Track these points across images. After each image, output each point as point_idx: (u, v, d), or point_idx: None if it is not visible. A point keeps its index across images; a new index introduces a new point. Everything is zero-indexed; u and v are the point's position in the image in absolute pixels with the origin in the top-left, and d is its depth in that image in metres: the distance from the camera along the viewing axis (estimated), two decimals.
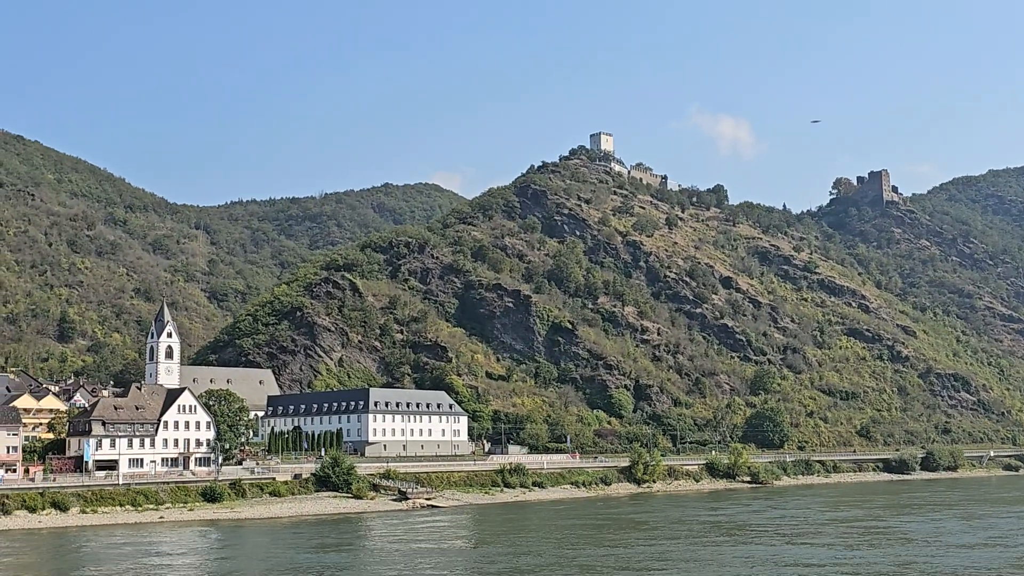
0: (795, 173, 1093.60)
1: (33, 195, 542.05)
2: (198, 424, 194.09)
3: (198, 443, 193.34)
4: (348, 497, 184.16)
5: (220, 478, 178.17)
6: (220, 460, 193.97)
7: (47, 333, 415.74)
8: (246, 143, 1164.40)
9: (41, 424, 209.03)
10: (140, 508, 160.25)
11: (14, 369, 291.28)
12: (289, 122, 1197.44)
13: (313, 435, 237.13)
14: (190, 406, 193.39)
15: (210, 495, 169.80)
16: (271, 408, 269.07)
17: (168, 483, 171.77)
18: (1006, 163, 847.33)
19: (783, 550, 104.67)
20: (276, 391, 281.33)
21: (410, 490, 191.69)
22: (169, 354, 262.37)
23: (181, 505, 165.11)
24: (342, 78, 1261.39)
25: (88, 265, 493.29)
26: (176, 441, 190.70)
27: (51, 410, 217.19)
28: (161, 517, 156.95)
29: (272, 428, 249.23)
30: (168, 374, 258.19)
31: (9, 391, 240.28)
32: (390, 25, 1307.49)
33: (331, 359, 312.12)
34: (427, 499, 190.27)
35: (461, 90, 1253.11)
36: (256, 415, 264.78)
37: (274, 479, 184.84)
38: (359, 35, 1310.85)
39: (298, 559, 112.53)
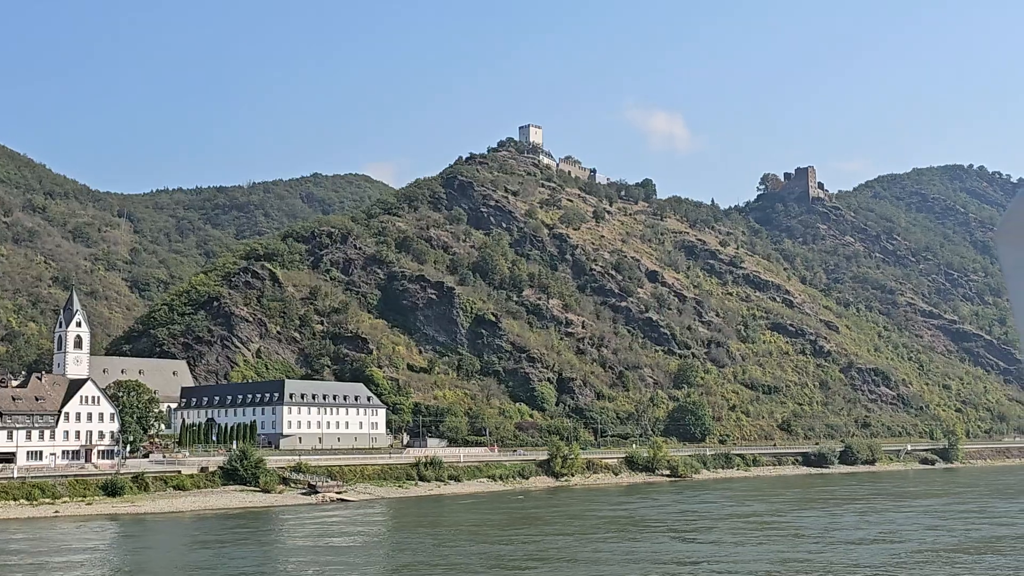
0: (729, 169, 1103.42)
1: None
2: (101, 416, 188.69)
3: (101, 435, 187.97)
4: (255, 491, 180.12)
5: (122, 471, 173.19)
6: (124, 453, 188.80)
7: None
8: (174, 131, 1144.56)
9: None
10: (35, 502, 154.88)
11: None
12: (219, 110, 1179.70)
13: (226, 428, 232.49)
14: (93, 397, 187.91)
15: (110, 489, 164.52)
16: (184, 400, 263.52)
17: (67, 476, 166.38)
18: (930, 162, 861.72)
19: (668, 546, 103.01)
20: (190, 382, 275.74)
21: (320, 484, 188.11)
22: (78, 344, 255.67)
23: (79, 499, 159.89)
24: (274, 68, 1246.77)
25: (4, 253, 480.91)
26: (78, 433, 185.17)
27: None
28: (56, 512, 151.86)
29: (183, 420, 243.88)
30: (77, 364, 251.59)
31: None
32: (322, 15, 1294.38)
33: (248, 350, 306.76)
34: (337, 493, 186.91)
35: (395, 80, 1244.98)
36: (169, 407, 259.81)
37: (179, 472, 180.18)
38: (291, 25, 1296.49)
39: (191, 557, 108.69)
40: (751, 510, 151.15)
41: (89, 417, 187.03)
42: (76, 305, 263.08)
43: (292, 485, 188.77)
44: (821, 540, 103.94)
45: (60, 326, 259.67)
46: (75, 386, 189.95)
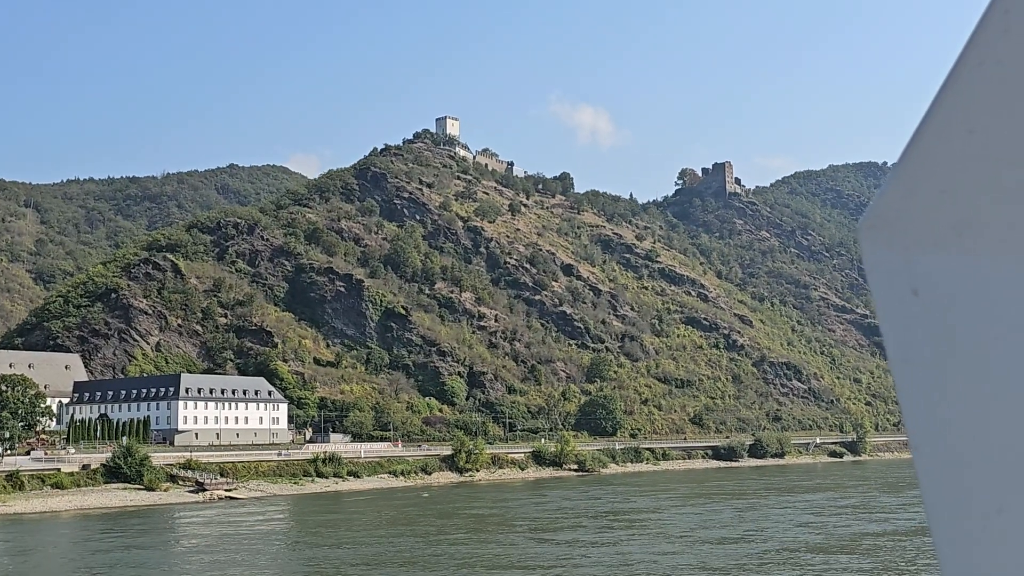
0: (652, 164, 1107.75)
1: None
2: None
3: None
4: (139, 489, 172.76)
5: None
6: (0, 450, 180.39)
7: None
8: (88, 119, 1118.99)
9: None
10: None
11: None
12: (134, 99, 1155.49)
13: (118, 423, 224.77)
14: None
15: None
16: (77, 394, 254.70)
17: None
18: (845, 159, 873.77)
19: (518, 548, 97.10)
20: (84, 376, 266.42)
21: (208, 481, 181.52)
22: None
23: None
24: (194, 57, 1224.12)
25: None
26: None
27: None
28: None
29: (72, 415, 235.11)
30: None
31: None
32: (244, 6, 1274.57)
33: (147, 343, 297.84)
34: (226, 490, 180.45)
35: (318, 71, 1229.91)
36: (60, 402, 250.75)
37: (59, 470, 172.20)
38: (212, 14, 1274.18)
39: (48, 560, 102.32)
40: (633, 506, 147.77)
41: None
42: None
43: (180, 483, 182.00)
44: (682, 539, 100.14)
45: None
46: None
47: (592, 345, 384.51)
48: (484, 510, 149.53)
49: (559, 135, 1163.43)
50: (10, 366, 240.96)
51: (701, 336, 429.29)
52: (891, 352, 2.33)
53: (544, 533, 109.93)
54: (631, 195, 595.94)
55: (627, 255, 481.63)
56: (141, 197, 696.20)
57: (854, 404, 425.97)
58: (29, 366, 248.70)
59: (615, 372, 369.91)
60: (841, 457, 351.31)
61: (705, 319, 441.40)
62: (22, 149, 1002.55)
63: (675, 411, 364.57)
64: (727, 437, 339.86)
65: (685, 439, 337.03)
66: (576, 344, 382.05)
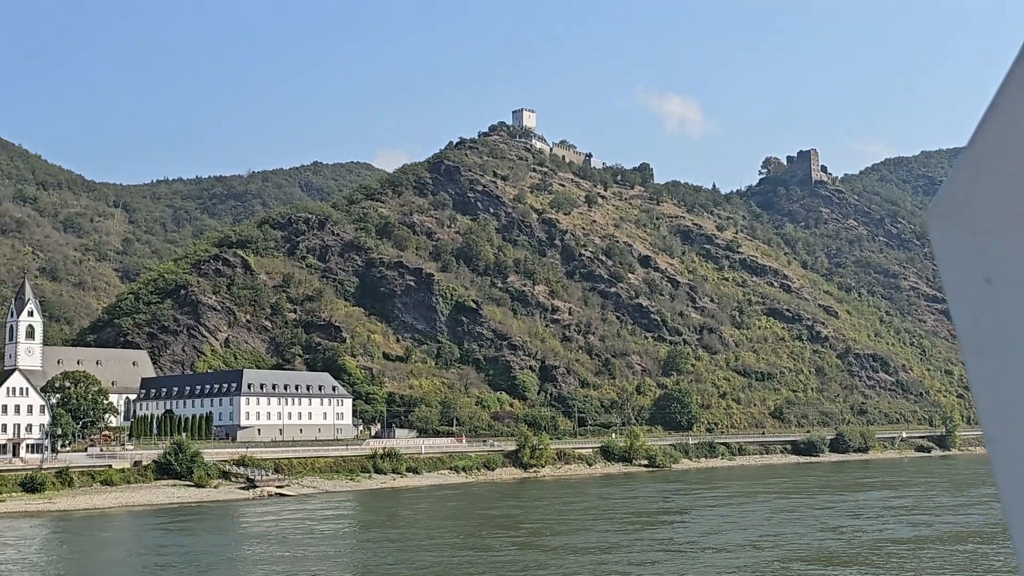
0: (738, 153, 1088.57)
1: None
2: (30, 408, 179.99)
3: (30, 428, 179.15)
4: (188, 485, 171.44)
5: (47, 466, 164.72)
6: (55, 446, 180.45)
7: None
8: (176, 121, 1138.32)
9: None
10: None
11: None
12: (224, 100, 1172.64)
13: (182, 419, 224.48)
14: (21, 388, 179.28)
15: (30, 485, 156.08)
16: (144, 391, 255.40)
17: None
18: (939, 144, 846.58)
19: (510, 554, 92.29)
20: (152, 373, 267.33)
21: (259, 477, 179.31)
22: (30, 334, 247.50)
23: None
24: (277, 57, 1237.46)
25: None
26: (4, 426, 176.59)
27: None
28: None
29: (134, 412, 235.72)
30: (29, 355, 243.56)
31: None
32: (323, 5, 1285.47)
33: (216, 339, 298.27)
34: (277, 487, 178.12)
35: (400, 67, 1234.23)
36: (128, 398, 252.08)
37: (109, 467, 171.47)
38: (292, 15, 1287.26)
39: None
40: (668, 506, 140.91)
41: (17, 409, 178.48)
42: (28, 294, 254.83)
43: (232, 479, 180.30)
44: (686, 545, 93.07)
45: (11, 315, 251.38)
46: (2, 377, 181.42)
47: (669, 338, 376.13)
48: (512, 510, 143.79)
49: (643, 126, 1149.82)
50: (78, 363, 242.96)
51: (783, 328, 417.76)
52: (964, 343, 2.25)
53: (550, 537, 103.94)
54: (713, 185, 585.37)
55: (707, 246, 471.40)
56: (226, 196, 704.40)
57: (944, 397, 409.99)
58: (97, 363, 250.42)
59: (692, 365, 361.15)
60: (929, 452, 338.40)
61: (788, 310, 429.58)
62: (112, 151, 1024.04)
63: (754, 405, 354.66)
64: (808, 431, 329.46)
65: (763, 433, 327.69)
66: (652, 337, 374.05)
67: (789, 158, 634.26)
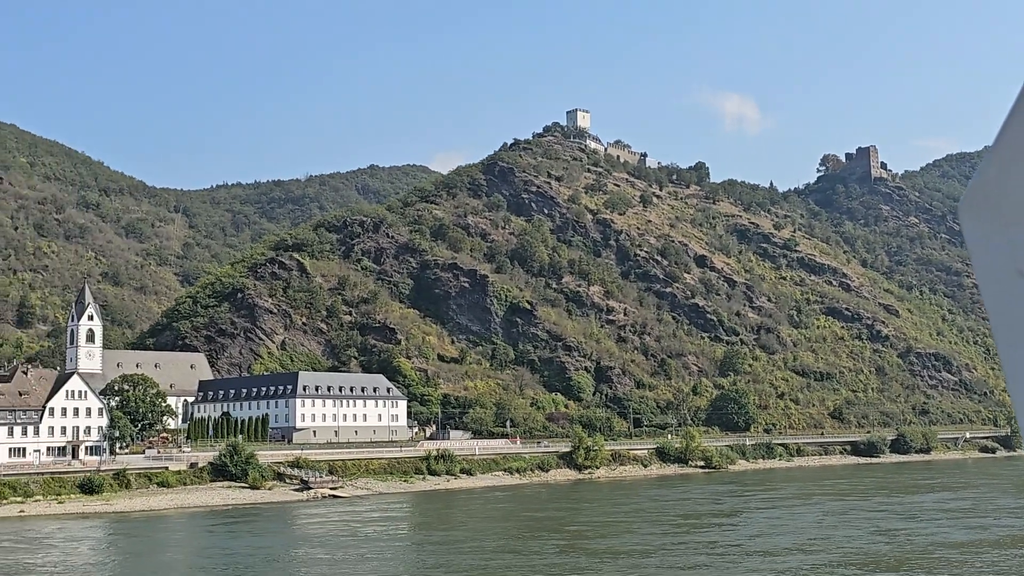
0: (795, 151, 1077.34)
1: (1, 179, 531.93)
2: (88, 410, 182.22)
3: (88, 431, 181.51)
4: (243, 487, 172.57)
5: (104, 468, 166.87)
6: (113, 448, 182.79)
7: (5, 319, 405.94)
8: (236, 126, 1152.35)
9: None
10: (4, 501, 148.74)
11: None
12: (281, 104, 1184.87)
13: (238, 421, 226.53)
14: (79, 391, 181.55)
15: (88, 487, 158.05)
16: (201, 393, 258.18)
17: (43, 474, 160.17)
18: None
19: (536, 560, 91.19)
20: (209, 375, 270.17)
21: (313, 479, 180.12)
22: (90, 338, 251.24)
23: (52, 498, 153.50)
24: (334, 61, 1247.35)
25: (55, 249, 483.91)
26: (63, 429, 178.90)
27: None
28: (21, 511, 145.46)
29: (192, 414, 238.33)
30: (89, 359, 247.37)
31: None
32: (378, 9, 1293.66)
33: (273, 342, 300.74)
34: (331, 489, 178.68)
35: (457, 69, 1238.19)
36: (186, 400, 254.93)
37: (166, 469, 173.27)
38: (348, 18, 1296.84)
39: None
40: (717, 508, 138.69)
41: (76, 412, 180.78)
42: (88, 299, 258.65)
43: (286, 481, 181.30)
44: (730, 549, 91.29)
45: (72, 320, 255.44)
46: (62, 380, 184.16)
47: (726, 338, 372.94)
48: (560, 512, 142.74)
49: (699, 124, 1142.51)
50: (137, 366, 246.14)
51: (843, 327, 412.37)
52: (997, 335, 2.18)
53: (584, 540, 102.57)
54: (771, 183, 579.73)
55: (764, 245, 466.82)
56: (284, 200, 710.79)
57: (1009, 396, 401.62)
58: (155, 366, 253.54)
59: (750, 365, 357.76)
60: (993, 452, 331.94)
61: (847, 309, 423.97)
62: (173, 157, 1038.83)
63: (813, 405, 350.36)
64: (868, 432, 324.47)
65: (822, 434, 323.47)
66: (709, 337, 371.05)
67: (848, 155, 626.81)
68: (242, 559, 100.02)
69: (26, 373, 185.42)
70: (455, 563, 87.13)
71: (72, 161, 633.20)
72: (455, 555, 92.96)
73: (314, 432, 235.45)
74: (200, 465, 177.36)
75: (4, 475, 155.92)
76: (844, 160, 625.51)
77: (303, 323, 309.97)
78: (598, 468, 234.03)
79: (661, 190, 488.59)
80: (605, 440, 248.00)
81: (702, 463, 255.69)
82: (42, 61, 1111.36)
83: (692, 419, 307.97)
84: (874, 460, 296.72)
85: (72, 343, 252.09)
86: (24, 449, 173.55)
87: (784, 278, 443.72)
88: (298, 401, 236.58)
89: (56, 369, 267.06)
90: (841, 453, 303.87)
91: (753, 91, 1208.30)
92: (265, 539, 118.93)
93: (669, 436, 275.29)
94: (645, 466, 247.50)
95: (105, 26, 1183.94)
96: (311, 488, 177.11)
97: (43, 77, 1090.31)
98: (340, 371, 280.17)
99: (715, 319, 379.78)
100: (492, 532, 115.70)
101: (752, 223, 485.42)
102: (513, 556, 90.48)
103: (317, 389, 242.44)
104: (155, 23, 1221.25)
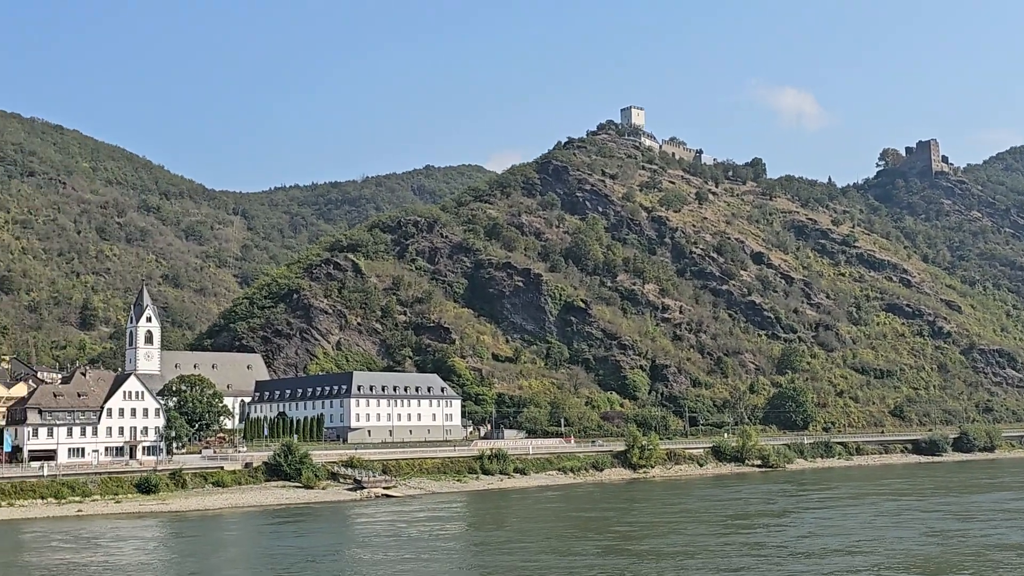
0: (854, 146, 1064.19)
1: (64, 183, 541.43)
2: (145, 411, 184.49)
3: (145, 431, 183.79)
4: (297, 487, 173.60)
5: (161, 468, 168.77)
6: (170, 448, 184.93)
7: (69, 321, 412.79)
8: (294, 129, 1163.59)
9: None
10: (63, 501, 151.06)
11: (5, 357, 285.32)
12: (338, 106, 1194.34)
13: (294, 421, 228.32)
14: (136, 392, 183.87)
15: (145, 486, 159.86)
16: (258, 394, 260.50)
17: (101, 474, 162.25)
18: None
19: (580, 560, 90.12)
20: (265, 376, 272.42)
21: (367, 479, 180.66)
22: (149, 339, 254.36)
23: (109, 497, 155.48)
24: (387, 64, 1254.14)
25: (116, 252, 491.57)
26: (121, 429, 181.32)
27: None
28: (79, 511, 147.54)
29: (248, 414, 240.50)
30: (148, 360, 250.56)
31: None
32: (432, 7, 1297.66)
33: (328, 342, 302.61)
34: (384, 488, 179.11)
35: (512, 67, 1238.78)
36: (242, 401, 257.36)
37: (221, 468, 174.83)
38: (403, 18, 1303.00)
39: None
40: (767, 508, 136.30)
41: (133, 413, 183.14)
42: (146, 300, 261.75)
43: (340, 480, 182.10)
44: (782, 550, 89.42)
45: (131, 322, 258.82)
46: (119, 381, 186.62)
47: (783, 335, 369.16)
48: (608, 512, 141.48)
49: (756, 121, 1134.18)
50: (194, 367, 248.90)
51: (903, 323, 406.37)
52: None
53: (629, 540, 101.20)
54: (829, 179, 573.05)
55: (822, 241, 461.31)
56: (341, 201, 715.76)
57: None
58: (213, 366, 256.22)
59: (808, 363, 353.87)
60: None
61: (908, 305, 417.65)
62: (232, 160, 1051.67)
63: (873, 403, 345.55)
64: (930, 430, 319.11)
65: (883, 432, 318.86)
66: (766, 335, 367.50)
67: (908, 149, 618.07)
68: (293, 558, 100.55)
69: (84, 374, 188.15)
70: (494, 563, 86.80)
71: (133, 165, 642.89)
72: (495, 555, 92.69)
73: (369, 432, 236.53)
74: (255, 465, 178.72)
75: (64, 475, 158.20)
76: (904, 154, 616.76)
77: (358, 323, 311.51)
78: (653, 467, 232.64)
79: (717, 187, 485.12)
80: (660, 439, 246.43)
81: (759, 462, 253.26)
82: (104, 69, 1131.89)
83: (749, 418, 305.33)
84: (936, 459, 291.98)
85: (131, 344, 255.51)
86: (83, 449, 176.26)
87: (843, 274, 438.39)
88: (353, 401, 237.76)
89: (117, 370, 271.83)
90: (902, 452, 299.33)
91: (811, 86, 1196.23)
92: (313, 539, 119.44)
93: (725, 435, 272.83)
94: (701, 465, 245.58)
95: (165, 34, 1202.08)
96: (364, 488, 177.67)
97: (105, 84, 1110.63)
98: (395, 371, 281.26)
99: (772, 316, 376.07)
100: (537, 532, 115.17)
101: (810, 219, 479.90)
102: (554, 557, 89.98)
103: (372, 389, 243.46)
104: (212, 29, 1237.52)
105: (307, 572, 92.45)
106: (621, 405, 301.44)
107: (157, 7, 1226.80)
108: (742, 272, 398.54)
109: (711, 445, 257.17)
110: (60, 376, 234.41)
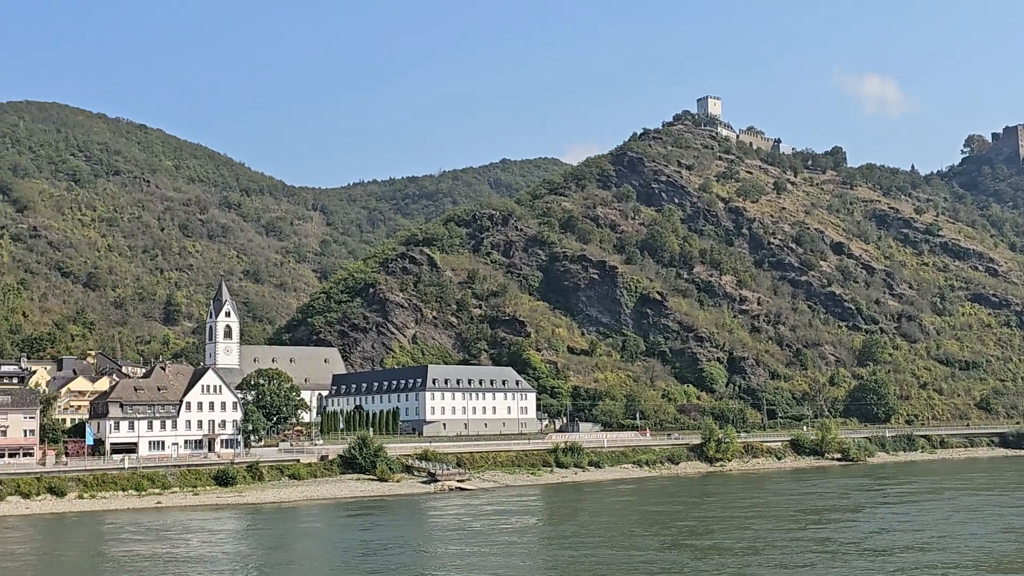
0: (937, 132, 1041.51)
1: (149, 181, 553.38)
2: (223, 405, 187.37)
3: (223, 424, 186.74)
4: (371, 480, 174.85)
5: (238, 460, 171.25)
6: (247, 441, 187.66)
7: (153, 316, 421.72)
8: (372, 124, 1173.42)
9: (83, 407, 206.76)
10: (143, 493, 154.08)
11: (91, 352, 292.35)
12: (416, 101, 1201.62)
13: (370, 415, 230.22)
14: (214, 386, 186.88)
15: (222, 479, 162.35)
16: (335, 387, 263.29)
17: (180, 466, 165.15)
18: None
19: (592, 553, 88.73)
20: (342, 370, 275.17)
21: (441, 472, 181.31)
22: (228, 334, 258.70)
23: (188, 489, 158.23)
24: (462, 60, 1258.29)
25: (199, 248, 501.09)
26: (200, 422, 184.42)
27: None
28: (159, 502, 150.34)
29: (325, 408, 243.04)
30: (227, 354, 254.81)
31: (76, 373, 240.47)
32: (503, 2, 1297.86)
33: (404, 336, 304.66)
34: (458, 482, 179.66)
35: (586, 59, 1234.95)
36: (320, 394, 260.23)
37: (297, 461, 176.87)
38: (479, 18, 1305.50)
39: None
40: (847, 502, 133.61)
41: (211, 406, 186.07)
42: (225, 295, 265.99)
43: (415, 473, 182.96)
44: (851, 546, 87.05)
45: (210, 316, 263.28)
46: (198, 375, 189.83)
47: (864, 327, 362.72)
48: (677, 506, 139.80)
49: (836, 108, 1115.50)
50: (272, 361, 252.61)
51: (990, 314, 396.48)
52: None
53: (693, 536, 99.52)
54: (912, 167, 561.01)
55: (905, 230, 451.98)
56: (419, 195, 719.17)
57: None
58: (290, 360, 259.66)
59: (890, 355, 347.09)
60: None
61: (994, 295, 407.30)
62: (311, 157, 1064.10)
63: (958, 395, 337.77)
64: (1018, 423, 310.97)
65: (968, 425, 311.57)
66: (846, 326, 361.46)
67: (994, 135, 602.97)
68: (363, 549, 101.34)
69: (164, 368, 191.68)
70: (553, 556, 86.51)
71: (215, 163, 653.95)
72: (556, 549, 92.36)
73: (444, 425, 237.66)
74: (330, 458, 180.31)
75: (144, 467, 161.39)
76: (990, 140, 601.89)
77: (433, 317, 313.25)
78: (730, 461, 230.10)
79: (796, 176, 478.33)
80: (737, 432, 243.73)
81: (839, 455, 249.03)
82: (187, 69, 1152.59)
83: (829, 410, 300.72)
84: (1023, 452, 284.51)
85: (211, 339, 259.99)
86: (163, 442, 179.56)
87: (926, 264, 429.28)
88: (428, 394, 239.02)
89: (199, 364, 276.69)
90: (988, 445, 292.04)
91: (894, 71, 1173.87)
92: (382, 532, 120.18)
93: (804, 428, 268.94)
94: (779, 459, 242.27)
95: (245, 34, 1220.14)
96: (438, 480, 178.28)
97: (188, 84, 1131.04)
98: (470, 364, 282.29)
99: (853, 307, 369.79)
100: (602, 526, 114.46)
101: (892, 208, 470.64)
102: (614, 552, 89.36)
103: (447, 382, 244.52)
104: (290, 28, 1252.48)
105: (375, 562, 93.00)
106: (698, 398, 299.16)
107: (240, 8, 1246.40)
108: (821, 263, 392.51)
109: (789, 438, 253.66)
110: (143, 371, 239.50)
